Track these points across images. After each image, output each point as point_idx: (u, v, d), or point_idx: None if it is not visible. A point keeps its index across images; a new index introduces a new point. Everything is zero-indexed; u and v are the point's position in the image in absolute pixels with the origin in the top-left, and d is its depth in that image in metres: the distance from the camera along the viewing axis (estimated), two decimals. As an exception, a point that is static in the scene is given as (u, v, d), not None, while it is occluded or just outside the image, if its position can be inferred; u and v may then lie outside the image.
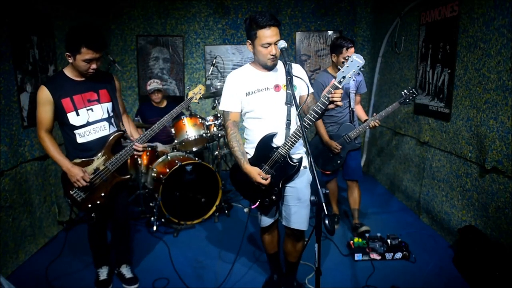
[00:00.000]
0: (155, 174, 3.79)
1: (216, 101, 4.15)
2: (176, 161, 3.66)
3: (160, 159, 3.92)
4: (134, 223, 3.79)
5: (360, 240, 3.15)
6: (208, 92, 4.13)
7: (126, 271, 2.82)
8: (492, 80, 2.70)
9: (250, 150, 2.26)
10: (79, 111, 2.34)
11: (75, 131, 2.36)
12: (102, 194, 2.45)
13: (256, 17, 2.05)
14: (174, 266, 2.98)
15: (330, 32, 5.38)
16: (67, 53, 2.23)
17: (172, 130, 4.07)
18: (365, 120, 3.31)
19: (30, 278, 2.83)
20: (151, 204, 3.91)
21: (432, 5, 3.54)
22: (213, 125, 4.01)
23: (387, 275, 2.81)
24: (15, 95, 3.00)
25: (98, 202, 2.45)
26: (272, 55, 2.08)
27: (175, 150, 4.10)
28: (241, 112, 2.28)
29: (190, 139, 3.97)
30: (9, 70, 2.93)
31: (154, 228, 3.61)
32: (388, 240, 3.11)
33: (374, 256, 3.02)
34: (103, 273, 2.77)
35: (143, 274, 2.89)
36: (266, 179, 2.13)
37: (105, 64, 4.62)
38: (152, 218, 3.70)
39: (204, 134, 3.98)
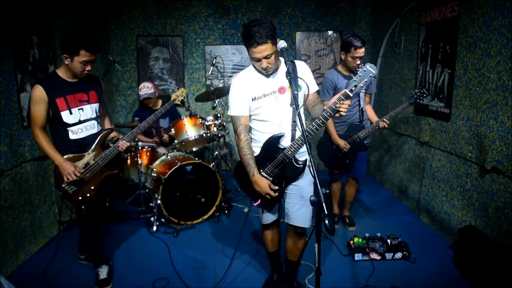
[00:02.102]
0: (155, 174, 3.79)
1: (216, 101, 4.15)
2: (176, 161, 3.66)
3: (160, 159, 3.92)
4: (134, 223, 3.80)
5: (360, 240, 3.16)
6: (206, 92, 4.12)
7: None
8: (492, 80, 2.70)
9: (256, 149, 2.27)
10: (72, 110, 2.51)
11: (68, 128, 2.53)
12: (92, 187, 2.61)
13: (245, 32, 2.00)
14: (174, 266, 2.98)
15: (330, 32, 5.38)
16: (65, 55, 2.38)
17: (167, 136, 4.12)
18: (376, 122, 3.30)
19: (30, 278, 2.83)
20: (151, 204, 3.91)
21: (432, 5, 3.54)
22: (213, 125, 4.01)
23: (387, 275, 2.81)
24: (15, 95, 3.00)
25: (88, 195, 2.60)
26: (263, 68, 2.08)
27: (175, 150, 4.10)
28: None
29: (190, 139, 3.97)
30: (9, 70, 2.92)
31: (154, 228, 3.61)
32: (388, 240, 3.11)
33: (374, 256, 3.02)
34: (103, 272, 2.78)
35: (143, 274, 2.89)
36: (274, 191, 2.17)
37: (105, 64, 4.62)
38: (152, 218, 3.71)
39: (204, 134, 3.98)
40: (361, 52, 3.10)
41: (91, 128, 2.62)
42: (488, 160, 2.73)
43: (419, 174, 3.88)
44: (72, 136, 2.53)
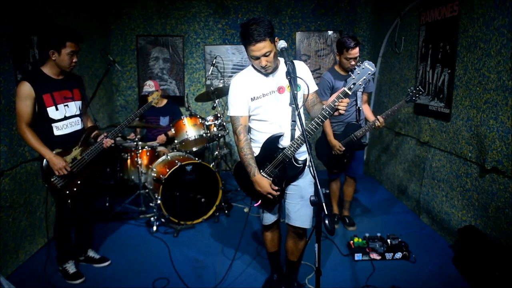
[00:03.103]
0: (155, 174, 3.79)
1: (216, 101, 4.14)
2: (176, 161, 3.66)
3: (160, 159, 3.92)
4: (134, 223, 3.80)
5: (360, 240, 3.16)
6: (206, 92, 4.12)
7: (93, 254, 3.06)
8: (492, 80, 2.70)
9: (256, 149, 2.26)
10: (58, 106, 2.59)
11: (53, 124, 2.59)
12: (79, 182, 2.69)
13: (243, 31, 2.00)
14: (174, 266, 2.98)
15: (330, 32, 5.38)
16: (52, 51, 2.48)
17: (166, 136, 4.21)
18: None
19: (30, 278, 2.83)
20: (151, 204, 3.91)
21: (432, 5, 3.54)
22: (213, 125, 4.01)
23: (387, 275, 2.81)
24: (15, 95, 2.99)
25: (75, 189, 2.68)
26: (262, 66, 2.07)
27: (175, 150, 4.10)
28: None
29: (190, 139, 3.97)
30: (9, 70, 2.92)
31: (154, 228, 3.61)
32: (388, 240, 3.11)
33: (374, 256, 3.02)
34: (71, 267, 2.83)
35: (143, 274, 2.89)
36: (276, 190, 2.16)
37: (105, 64, 4.61)
38: (152, 218, 3.71)
39: (204, 134, 3.98)
40: (354, 53, 3.09)
41: (76, 124, 2.71)
42: (488, 160, 2.73)
43: (419, 174, 3.88)
44: (56, 132, 2.60)
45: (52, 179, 2.59)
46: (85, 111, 2.87)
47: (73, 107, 2.69)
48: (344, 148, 3.27)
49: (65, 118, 2.63)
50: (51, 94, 2.55)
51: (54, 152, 2.57)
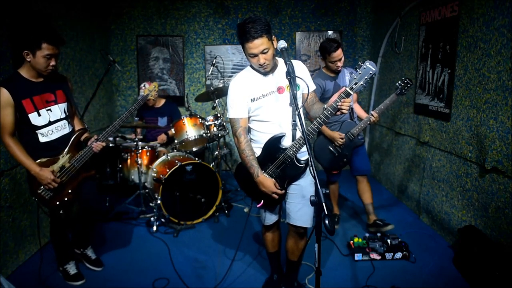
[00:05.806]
0: (155, 174, 3.79)
1: (216, 101, 4.14)
2: (176, 161, 3.66)
3: (160, 159, 3.92)
4: (134, 223, 3.80)
5: (360, 240, 3.16)
6: (206, 92, 4.12)
7: (91, 253, 2.98)
8: (492, 80, 2.70)
9: (257, 150, 2.25)
10: (40, 111, 2.38)
11: (37, 131, 2.40)
12: (70, 191, 2.52)
13: (240, 30, 2.00)
14: (174, 266, 2.98)
15: (330, 32, 5.38)
16: (26, 51, 2.24)
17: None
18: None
19: (30, 278, 2.82)
20: (151, 204, 3.91)
21: (432, 5, 3.54)
22: (213, 125, 4.01)
23: (387, 275, 2.81)
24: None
25: (66, 199, 2.52)
26: (260, 64, 2.06)
27: (175, 150, 4.10)
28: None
29: (190, 139, 3.97)
30: (9, 70, 2.92)
31: (154, 228, 3.61)
32: (388, 240, 3.11)
33: (374, 256, 3.02)
34: (72, 268, 2.78)
35: (143, 274, 2.89)
36: (280, 189, 2.16)
37: (105, 64, 4.61)
38: (152, 218, 3.71)
39: (204, 134, 3.98)
40: (337, 55, 3.11)
41: (62, 128, 2.51)
42: (488, 160, 2.73)
43: (419, 174, 3.88)
44: (42, 139, 2.41)
45: (39, 191, 2.42)
46: (73, 112, 2.67)
47: (57, 110, 2.47)
48: (344, 135, 3.26)
49: (50, 123, 2.43)
50: (31, 99, 2.32)
51: (38, 161, 2.38)
